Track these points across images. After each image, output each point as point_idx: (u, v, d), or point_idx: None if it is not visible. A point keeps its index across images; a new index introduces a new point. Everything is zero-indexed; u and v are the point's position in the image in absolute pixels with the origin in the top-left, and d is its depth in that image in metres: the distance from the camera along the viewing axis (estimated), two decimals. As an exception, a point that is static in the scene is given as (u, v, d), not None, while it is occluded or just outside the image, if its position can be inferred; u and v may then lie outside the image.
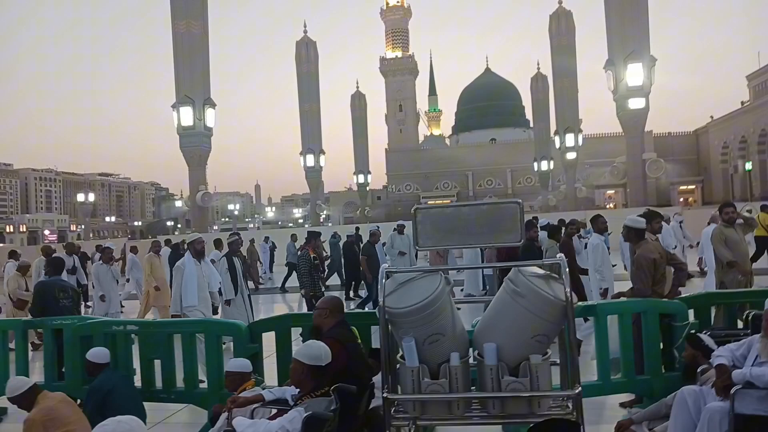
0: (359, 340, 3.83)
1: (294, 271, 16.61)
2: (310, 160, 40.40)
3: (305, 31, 42.33)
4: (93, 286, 10.48)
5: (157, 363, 4.87)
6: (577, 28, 41.52)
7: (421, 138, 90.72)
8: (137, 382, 4.87)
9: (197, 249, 7.08)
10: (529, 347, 3.08)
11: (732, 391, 3.26)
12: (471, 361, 3.24)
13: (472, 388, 3.21)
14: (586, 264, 8.20)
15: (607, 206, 42.42)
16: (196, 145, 26.75)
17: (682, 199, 48.82)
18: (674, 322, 4.62)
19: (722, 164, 54.28)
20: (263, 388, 3.55)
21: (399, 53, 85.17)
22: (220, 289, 7.67)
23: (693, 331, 4.10)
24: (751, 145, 48.88)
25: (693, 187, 55.31)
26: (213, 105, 27.04)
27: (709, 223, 10.41)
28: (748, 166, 48.94)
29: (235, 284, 7.97)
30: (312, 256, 10.14)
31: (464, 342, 3.29)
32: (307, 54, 41.63)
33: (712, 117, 57.94)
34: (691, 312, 4.73)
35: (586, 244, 8.76)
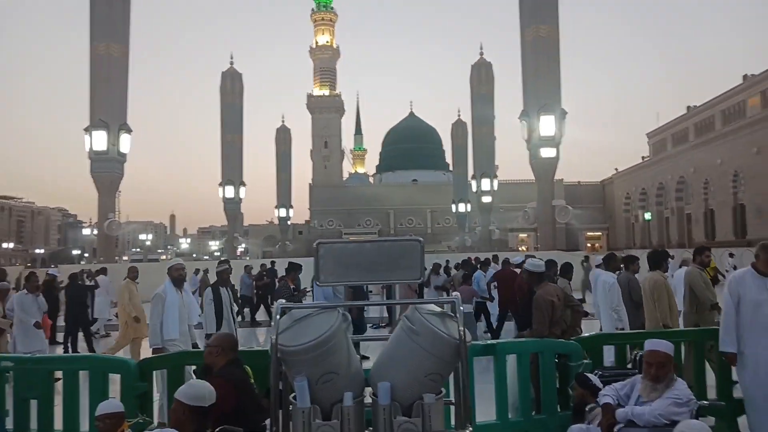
0: (252, 380, 3.67)
1: (247, 305, 16.13)
2: (230, 191, 39.56)
3: (231, 63, 42.00)
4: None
5: (34, 403, 4.46)
6: (497, 79, 43.68)
7: (345, 175, 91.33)
8: (9, 424, 4.43)
9: (176, 276, 6.50)
10: (423, 386, 3.05)
11: (615, 429, 3.38)
12: (367, 400, 3.18)
13: (369, 428, 3.14)
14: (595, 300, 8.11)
15: (519, 249, 44.04)
16: (108, 171, 25.58)
17: (589, 245, 51.51)
18: (570, 361, 4.78)
19: (625, 213, 57.98)
20: (150, 431, 3.32)
21: (326, 91, 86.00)
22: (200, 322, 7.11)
23: (581, 372, 4.24)
24: (650, 197, 52.63)
25: (599, 233, 58.59)
26: (129, 130, 26.04)
27: (680, 266, 10.66)
28: (648, 216, 52.68)
29: (219, 317, 7.26)
30: (292, 287, 9.81)
31: (359, 381, 3.22)
32: (232, 85, 41.22)
33: (616, 169, 62.11)
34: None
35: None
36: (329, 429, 2.92)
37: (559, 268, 8.02)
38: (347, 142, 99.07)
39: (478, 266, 13.76)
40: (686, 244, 41.56)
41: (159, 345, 6.26)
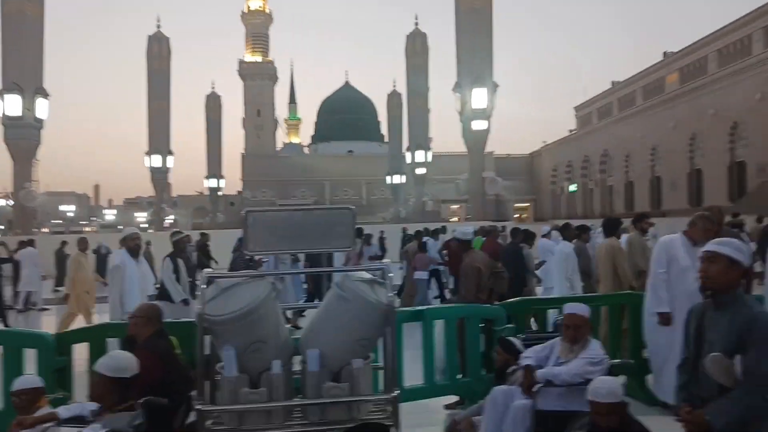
0: (178, 351, 3.61)
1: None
2: (157, 160, 38.14)
3: (158, 26, 40.02)
4: None
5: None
6: (432, 50, 43.79)
7: (279, 145, 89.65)
8: None
9: (132, 246, 6.21)
10: (352, 352, 3.10)
11: (535, 389, 3.56)
12: (297, 368, 3.20)
13: (299, 396, 3.16)
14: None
15: (451, 220, 44.99)
16: (23, 137, 24.09)
17: (516, 215, 53.22)
18: (494, 326, 4.97)
19: (551, 185, 60.12)
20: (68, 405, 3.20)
21: (259, 58, 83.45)
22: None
23: (504, 336, 4.42)
24: (576, 170, 54.75)
25: (527, 204, 60.58)
26: (45, 95, 24.51)
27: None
28: (573, 188, 54.89)
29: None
30: (247, 257, 9.36)
31: (288, 349, 3.24)
32: (159, 50, 39.37)
33: (544, 142, 64.09)
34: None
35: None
36: (256, 397, 2.93)
37: (602, 227, 7.68)
38: (281, 111, 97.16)
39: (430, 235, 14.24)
40: (608, 215, 43.67)
41: (121, 319, 6.03)
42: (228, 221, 55.35)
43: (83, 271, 9.55)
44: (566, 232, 8.59)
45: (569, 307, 3.85)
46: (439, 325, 4.93)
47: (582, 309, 3.78)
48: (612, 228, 7.01)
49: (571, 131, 60.84)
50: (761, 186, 28.65)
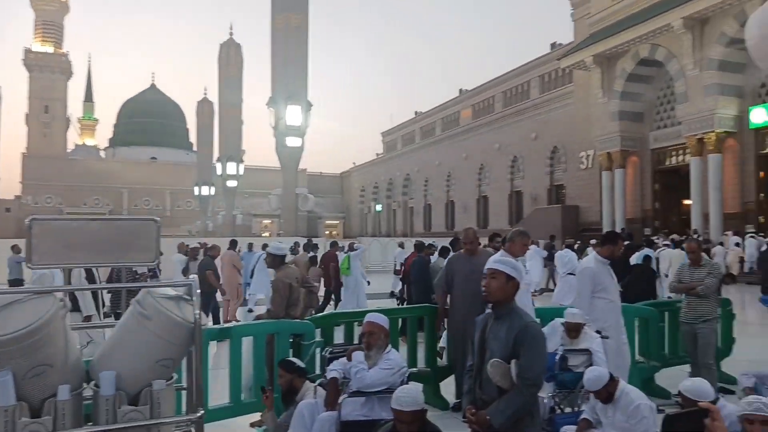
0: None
1: None
2: None
3: None
4: None
5: None
6: (247, 62, 43.18)
7: (71, 146, 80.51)
8: None
9: None
10: (153, 372, 2.92)
11: (340, 400, 3.70)
12: (90, 393, 2.92)
13: (89, 423, 2.88)
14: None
15: (262, 234, 44.45)
16: None
17: (327, 232, 54.49)
18: (303, 341, 5.04)
19: (360, 204, 62.73)
20: None
21: (50, 48, 74.51)
22: None
23: (284, 358, 4.53)
24: (382, 191, 57.87)
25: (338, 222, 62.35)
26: None
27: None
28: (378, 207, 57.87)
29: None
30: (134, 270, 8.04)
31: (79, 373, 2.94)
32: None
33: (354, 163, 66.71)
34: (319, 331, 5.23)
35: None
36: (39, 427, 2.61)
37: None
38: (75, 109, 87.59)
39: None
40: (408, 234, 46.71)
41: None
42: (2, 229, 48.07)
43: None
44: (421, 249, 10.05)
45: (367, 316, 4.16)
46: (247, 342, 4.86)
47: (377, 318, 4.09)
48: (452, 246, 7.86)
49: (378, 155, 64.17)
50: (534, 213, 33.10)
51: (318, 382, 4.08)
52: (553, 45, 38.08)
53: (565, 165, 33.14)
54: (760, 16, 5.77)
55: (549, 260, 16.04)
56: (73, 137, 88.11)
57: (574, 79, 31.46)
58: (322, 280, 11.54)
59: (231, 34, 43.16)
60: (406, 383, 3.68)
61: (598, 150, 28.09)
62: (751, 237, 19.23)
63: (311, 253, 12.36)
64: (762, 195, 22.83)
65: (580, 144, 30.06)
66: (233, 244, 12.06)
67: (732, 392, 5.92)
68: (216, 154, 44.73)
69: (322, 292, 12.10)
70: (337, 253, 12.26)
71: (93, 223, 3.23)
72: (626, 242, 11.40)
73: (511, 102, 40.98)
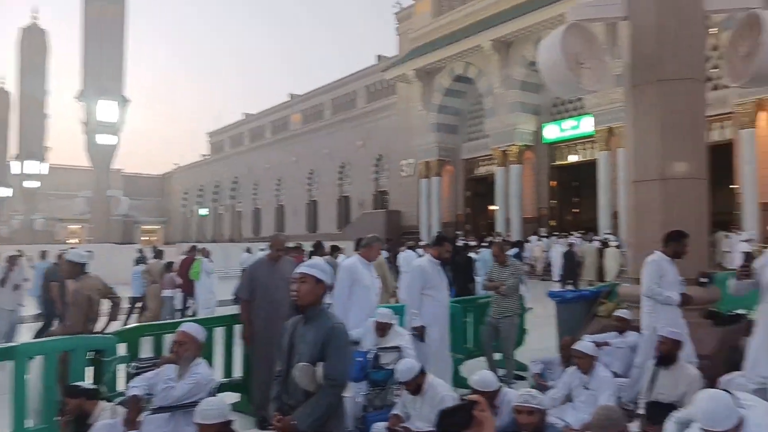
0: None
1: None
2: None
3: None
4: None
5: None
6: (54, 51, 38.82)
7: None
8: None
9: None
10: None
11: (141, 418, 3.47)
12: None
13: None
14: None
15: (68, 241, 40.12)
16: None
17: (145, 238, 50.77)
18: (104, 357, 4.63)
19: (182, 208, 59.45)
20: None
21: None
22: None
23: (71, 383, 4.17)
24: (207, 194, 55.46)
25: (158, 226, 58.40)
26: None
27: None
28: (204, 211, 55.37)
29: None
30: None
31: None
32: None
33: (176, 164, 63.00)
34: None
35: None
36: None
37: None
38: None
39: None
40: (237, 239, 45.40)
41: None
42: None
43: None
44: (319, 251, 9.66)
45: (181, 326, 4.01)
46: (36, 362, 4.35)
47: (191, 328, 3.95)
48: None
49: (204, 156, 61.43)
50: (360, 218, 34.17)
51: (118, 401, 3.78)
52: (379, 57, 39.62)
53: (388, 172, 34.68)
54: (548, 44, 6.56)
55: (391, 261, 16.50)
56: None
57: (398, 90, 33.12)
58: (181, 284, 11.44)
59: (35, 18, 38.49)
60: (214, 395, 3.57)
61: (419, 159, 29.86)
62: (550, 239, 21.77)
63: (166, 260, 11.83)
64: (553, 201, 26.10)
65: (402, 153, 31.70)
66: None
67: (524, 378, 6.65)
68: (12, 150, 39.50)
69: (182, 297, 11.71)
70: (195, 258, 12.14)
71: None
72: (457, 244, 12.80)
73: (339, 109, 41.87)
